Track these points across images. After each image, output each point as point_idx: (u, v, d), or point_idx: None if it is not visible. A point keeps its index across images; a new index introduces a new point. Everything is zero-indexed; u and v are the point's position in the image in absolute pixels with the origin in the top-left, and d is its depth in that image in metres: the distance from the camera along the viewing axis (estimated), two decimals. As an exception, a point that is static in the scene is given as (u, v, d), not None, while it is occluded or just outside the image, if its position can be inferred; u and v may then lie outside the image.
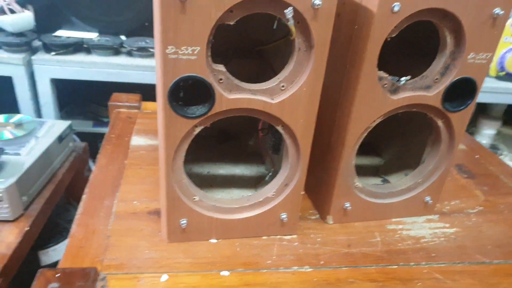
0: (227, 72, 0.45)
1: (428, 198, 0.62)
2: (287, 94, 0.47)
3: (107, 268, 0.49)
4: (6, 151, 0.85)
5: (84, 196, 0.59)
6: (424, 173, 0.61)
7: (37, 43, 1.25)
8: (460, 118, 0.56)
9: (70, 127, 1.07)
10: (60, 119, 1.30)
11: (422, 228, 0.61)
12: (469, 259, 0.56)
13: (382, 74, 0.51)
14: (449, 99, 0.55)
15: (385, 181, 0.68)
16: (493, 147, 1.58)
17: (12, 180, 0.76)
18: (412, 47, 0.63)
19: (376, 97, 0.51)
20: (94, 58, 1.23)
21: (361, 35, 0.48)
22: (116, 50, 1.27)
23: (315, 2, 0.42)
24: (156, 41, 0.42)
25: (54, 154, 0.98)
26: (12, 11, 1.30)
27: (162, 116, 0.45)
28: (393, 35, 0.49)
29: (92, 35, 1.27)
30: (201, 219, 0.53)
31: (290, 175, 0.53)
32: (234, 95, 0.46)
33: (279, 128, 0.50)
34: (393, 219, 0.62)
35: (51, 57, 1.20)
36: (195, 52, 0.42)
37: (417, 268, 0.54)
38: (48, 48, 1.21)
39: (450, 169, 0.61)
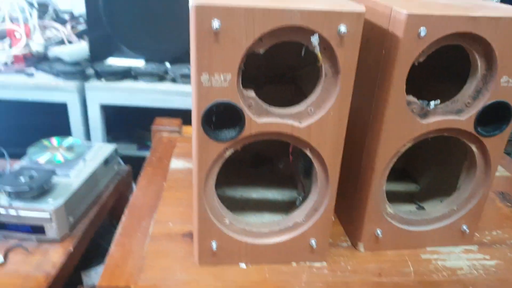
0: (256, 98, 0.47)
1: (465, 227, 0.60)
2: (314, 118, 0.48)
3: (141, 288, 0.51)
4: (57, 173, 0.90)
5: (123, 217, 0.62)
6: (460, 201, 0.59)
7: (90, 70, 1.34)
8: (496, 143, 0.55)
9: (115, 150, 1.13)
10: (107, 143, 1.37)
11: (459, 259, 0.59)
12: (511, 293, 0.54)
13: (411, 98, 0.51)
14: (483, 123, 0.54)
15: (420, 208, 0.66)
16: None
17: (61, 201, 0.81)
18: (445, 70, 0.62)
19: (405, 121, 0.51)
20: (140, 84, 1.29)
21: (388, 60, 0.49)
22: (161, 77, 1.33)
23: (340, 29, 0.43)
24: (192, 69, 0.44)
25: (100, 177, 1.03)
26: (70, 42, 1.41)
27: (196, 139, 0.47)
28: (421, 60, 0.49)
29: (139, 63, 1.34)
30: (231, 242, 0.54)
31: (320, 200, 0.54)
32: (263, 119, 0.48)
33: (307, 152, 0.51)
34: (428, 248, 0.61)
35: (101, 84, 1.27)
36: (227, 79, 0.44)
37: (452, 301, 0.52)
38: (99, 75, 1.29)
39: (487, 196, 0.59)
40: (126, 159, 1.35)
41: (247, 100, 0.47)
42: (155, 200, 0.67)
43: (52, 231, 0.80)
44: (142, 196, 0.68)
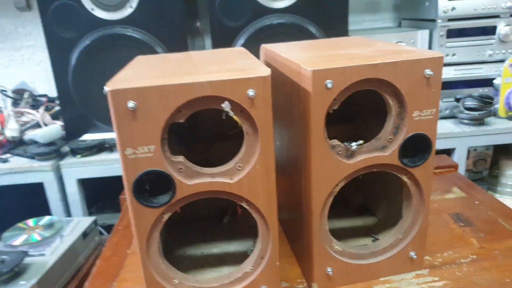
0: (186, 161, 0.51)
1: (412, 253, 0.62)
2: (244, 173, 0.52)
3: None
4: (30, 253, 0.92)
5: (85, 289, 0.64)
6: (404, 229, 0.62)
7: (65, 149, 1.38)
8: (423, 171, 0.58)
9: (95, 222, 1.15)
10: (89, 215, 1.39)
11: (409, 285, 0.60)
12: (457, 312, 0.55)
13: (335, 142, 0.55)
14: (409, 155, 0.58)
15: (376, 239, 0.68)
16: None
17: (33, 281, 0.83)
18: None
19: (332, 164, 0.55)
20: (115, 155, 1.34)
21: (305, 111, 0.53)
22: (134, 145, 1.37)
23: (249, 93, 0.48)
24: (117, 144, 0.48)
25: (79, 250, 1.04)
26: (45, 124, 1.47)
27: (131, 208, 0.50)
28: (335, 107, 0.54)
29: (113, 135, 1.39)
30: (183, 301, 0.56)
31: (264, 247, 0.56)
32: (194, 180, 0.51)
33: (244, 205, 0.54)
34: (382, 278, 0.62)
35: (77, 159, 1.32)
36: (151, 150, 0.48)
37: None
38: (74, 151, 1.34)
39: (427, 222, 0.61)
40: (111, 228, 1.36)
41: (176, 165, 0.50)
42: (118, 269, 0.69)
43: (27, 313, 0.81)
44: (104, 266, 0.70)
